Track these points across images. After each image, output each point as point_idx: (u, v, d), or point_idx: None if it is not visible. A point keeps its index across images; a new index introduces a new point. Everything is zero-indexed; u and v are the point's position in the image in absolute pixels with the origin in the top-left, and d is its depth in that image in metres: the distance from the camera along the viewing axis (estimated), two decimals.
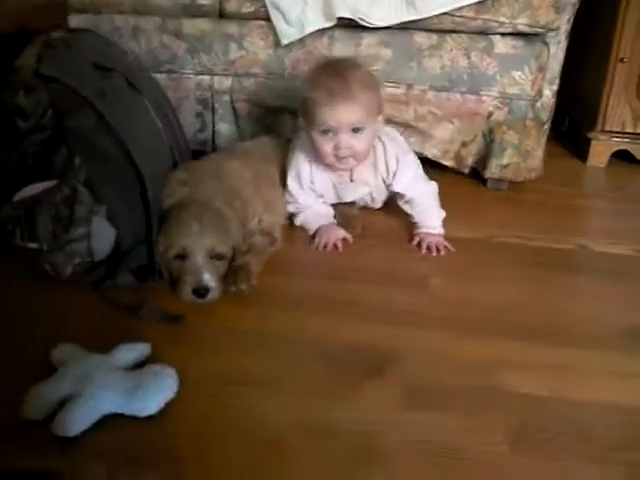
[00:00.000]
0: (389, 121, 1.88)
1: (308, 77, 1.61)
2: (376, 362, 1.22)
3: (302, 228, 1.71)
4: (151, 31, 1.92)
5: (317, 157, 1.63)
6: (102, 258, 1.39)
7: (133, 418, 1.05)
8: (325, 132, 1.56)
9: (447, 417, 1.09)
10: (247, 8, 1.83)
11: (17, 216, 1.34)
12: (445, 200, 1.72)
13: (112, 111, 1.36)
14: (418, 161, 1.71)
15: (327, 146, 1.57)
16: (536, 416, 1.10)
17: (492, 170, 1.94)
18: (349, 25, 1.81)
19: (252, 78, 1.93)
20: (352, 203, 1.78)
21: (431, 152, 1.97)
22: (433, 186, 1.69)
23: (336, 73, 1.54)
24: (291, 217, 1.74)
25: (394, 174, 1.66)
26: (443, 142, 1.95)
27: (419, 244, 1.65)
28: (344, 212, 1.76)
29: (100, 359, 1.12)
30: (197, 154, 1.88)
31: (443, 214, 1.69)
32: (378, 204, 1.80)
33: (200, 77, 1.96)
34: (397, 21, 1.76)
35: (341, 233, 1.65)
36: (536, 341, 1.30)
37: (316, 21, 1.79)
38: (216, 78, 1.96)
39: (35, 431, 1.02)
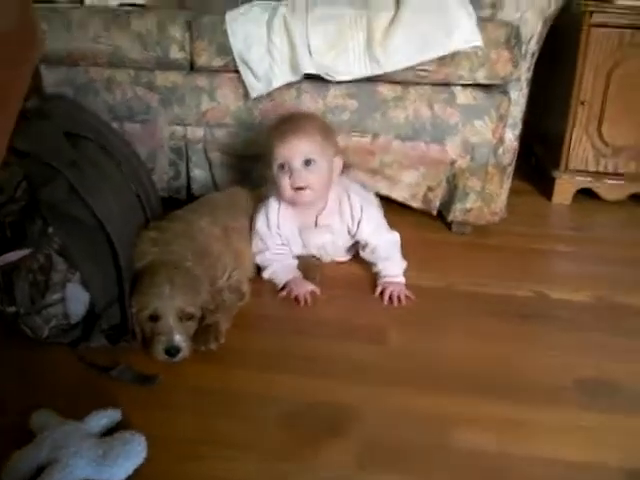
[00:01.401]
0: (357, 169, 1.96)
1: (269, 128, 1.74)
2: (336, 420, 1.28)
3: (268, 281, 1.78)
4: (125, 83, 1.99)
5: (280, 195, 1.72)
6: (77, 320, 1.45)
7: None
8: (282, 167, 1.66)
9: (402, 478, 1.14)
10: (217, 62, 1.90)
11: None
12: (408, 244, 1.79)
13: (83, 179, 1.42)
14: (381, 212, 1.78)
15: (284, 180, 1.66)
16: (487, 473, 1.16)
17: (455, 214, 2.01)
18: (316, 77, 1.89)
19: (224, 128, 2.00)
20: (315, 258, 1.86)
21: (400, 194, 2.04)
22: (396, 236, 1.76)
23: (292, 120, 1.69)
24: (258, 269, 1.80)
25: (358, 222, 1.73)
26: (410, 186, 2.02)
27: (381, 294, 1.71)
28: (305, 261, 1.83)
29: (74, 426, 1.18)
30: (172, 201, 1.95)
31: (405, 264, 1.76)
32: (342, 255, 1.88)
33: (173, 127, 2.03)
34: (361, 76, 1.83)
35: (310, 286, 1.72)
36: (490, 395, 1.35)
37: (283, 76, 1.86)
38: (189, 128, 2.03)
39: None
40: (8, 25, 0.76)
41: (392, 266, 1.75)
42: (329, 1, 1.89)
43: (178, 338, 1.43)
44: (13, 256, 1.40)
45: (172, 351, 1.42)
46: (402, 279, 1.74)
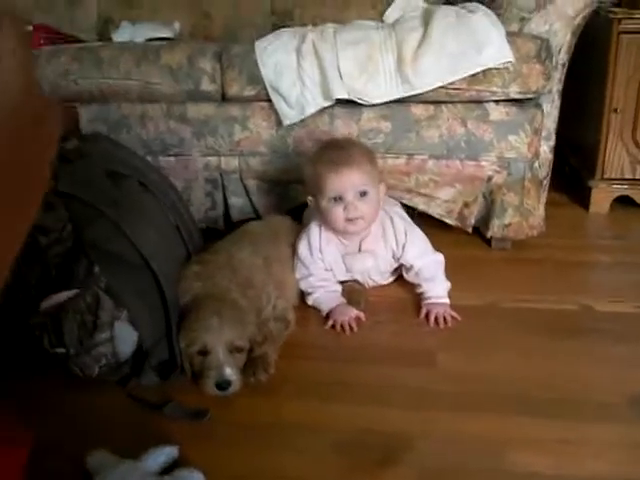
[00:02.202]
0: (393, 189, 1.95)
1: (312, 156, 1.72)
2: (390, 448, 1.27)
3: (313, 307, 1.78)
4: (158, 117, 2.01)
5: (328, 226, 1.71)
6: (126, 358, 1.46)
7: None
8: (335, 200, 1.64)
9: None
10: (248, 92, 1.91)
11: (44, 323, 1.42)
12: (450, 264, 1.78)
13: (126, 218, 1.44)
14: (424, 235, 1.77)
15: (338, 212, 1.65)
16: None
17: (494, 230, 2.00)
18: (348, 102, 1.89)
19: (258, 157, 2.02)
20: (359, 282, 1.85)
21: (436, 211, 2.04)
22: (440, 257, 1.76)
23: (337, 148, 1.67)
24: (302, 296, 1.80)
25: (403, 246, 1.73)
26: (446, 202, 2.01)
27: (427, 316, 1.70)
28: (349, 287, 1.83)
29: (132, 466, 1.18)
30: (210, 231, 1.96)
31: (449, 285, 1.75)
32: (385, 279, 1.87)
33: (207, 158, 2.05)
34: (392, 98, 1.83)
35: (354, 312, 1.71)
36: (543, 415, 1.34)
37: (315, 102, 1.87)
38: (223, 159, 2.04)
39: None
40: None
41: (436, 287, 1.74)
42: (357, 25, 1.90)
43: (229, 372, 1.42)
44: (60, 297, 1.41)
45: (224, 385, 1.42)
46: (447, 300, 1.73)
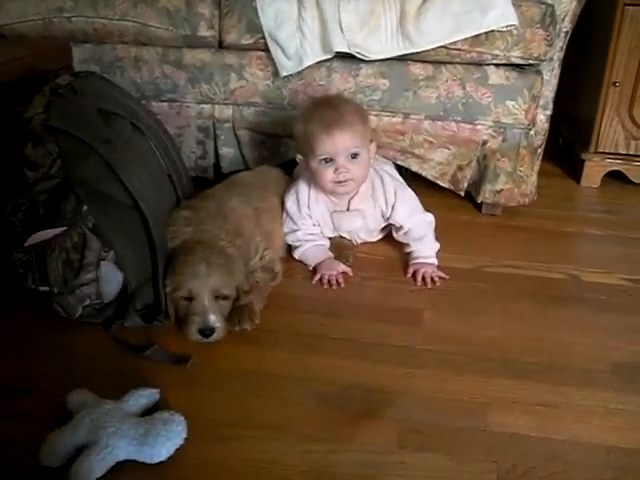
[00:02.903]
0: (387, 148, 1.94)
1: (303, 113, 1.68)
2: (372, 402, 1.28)
3: (300, 261, 1.77)
4: (153, 61, 1.97)
5: (318, 186, 1.70)
6: (110, 300, 1.45)
7: (145, 464, 1.11)
8: (325, 161, 1.62)
9: (440, 459, 1.14)
10: (246, 40, 1.87)
11: (29, 260, 1.39)
12: (440, 227, 1.78)
13: (117, 157, 1.40)
14: (414, 195, 1.76)
15: (328, 173, 1.63)
16: (525, 456, 1.15)
17: (485, 195, 1.99)
18: (347, 56, 1.86)
19: (252, 107, 1.99)
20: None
21: (429, 173, 2.03)
22: (430, 217, 1.75)
23: (329, 107, 1.63)
24: (290, 249, 1.80)
25: (392, 206, 1.72)
26: (440, 165, 2.00)
27: (414, 275, 1.70)
28: (337, 242, 1.83)
29: (112, 406, 1.18)
30: (199, 180, 1.93)
31: (437, 245, 1.75)
32: (374, 237, 1.86)
33: (201, 106, 2.01)
34: (393, 54, 1.80)
35: (341, 267, 1.71)
36: (526, 378, 1.35)
37: (314, 54, 1.84)
38: (217, 107, 2.01)
39: (52, 478, 1.08)
40: None
41: (425, 248, 1.73)
42: None
43: (213, 318, 1.42)
44: (46, 234, 1.39)
45: (207, 332, 1.41)
46: (435, 260, 1.73)
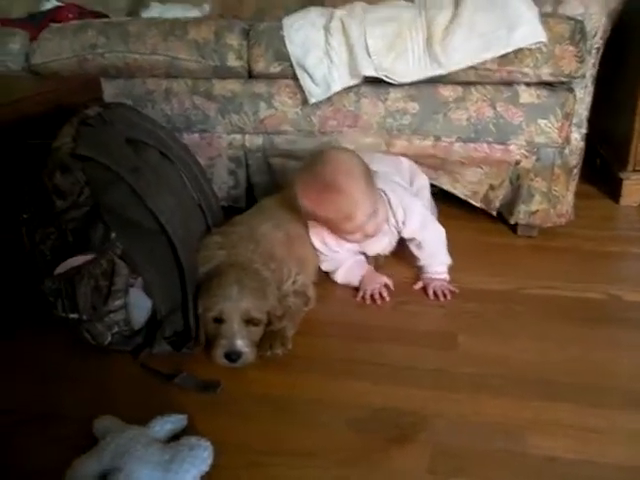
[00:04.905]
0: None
1: (304, 193, 1.60)
2: (405, 426, 1.24)
3: (332, 283, 1.76)
4: (183, 93, 1.99)
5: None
6: (140, 327, 1.44)
7: None
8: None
9: None
10: (275, 68, 1.88)
11: (58, 288, 1.40)
12: (474, 250, 1.76)
13: (144, 185, 1.42)
14: (422, 204, 1.74)
15: (353, 237, 1.65)
16: None
17: (520, 216, 1.95)
18: (375, 81, 1.85)
19: (282, 135, 1.98)
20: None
21: (461, 192, 2.01)
22: (441, 231, 1.72)
23: (330, 190, 1.54)
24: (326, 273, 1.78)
25: (403, 222, 1.70)
26: (472, 184, 1.98)
27: (425, 289, 1.69)
28: None
29: (138, 432, 1.17)
30: (231, 210, 1.93)
31: (449, 261, 1.72)
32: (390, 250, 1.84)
33: (232, 136, 2.02)
34: (421, 77, 1.78)
35: (383, 279, 1.70)
36: (565, 400, 1.29)
37: (341, 80, 1.83)
38: (247, 137, 2.01)
39: None
40: None
41: (436, 262, 1.72)
42: (386, 4, 1.86)
43: (240, 343, 1.40)
44: (76, 261, 1.40)
45: (232, 356, 1.40)
46: (446, 276, 1.71)
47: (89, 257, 1.40)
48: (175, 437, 1.19)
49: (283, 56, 1.86)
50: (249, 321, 1.43)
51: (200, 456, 1.13)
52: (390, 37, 1.78)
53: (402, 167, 1.89)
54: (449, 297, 1.66)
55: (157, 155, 1.54)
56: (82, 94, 1.70)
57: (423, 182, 1.91)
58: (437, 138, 1.89)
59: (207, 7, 2.39)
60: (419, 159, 1.93)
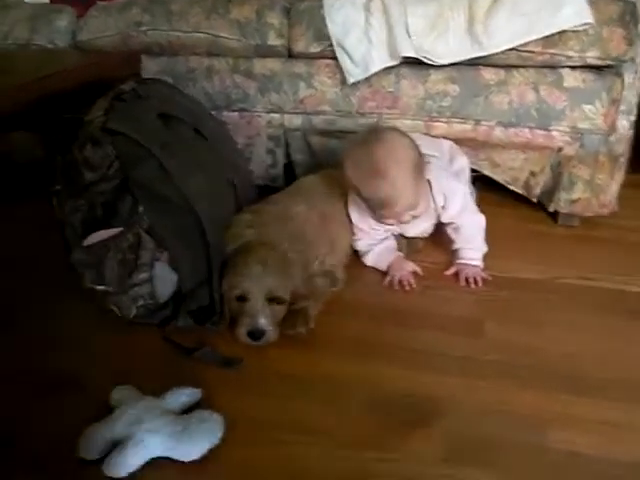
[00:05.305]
0: (459, 144, 1.89)
1: (349, 176, 1.58)
2: (424, 411, 1.22)
3: (362, 265, 1.74)
4: (224, 71, 2.00)
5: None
6: (165, 300, 1.46)
7: (178, 462, 1.10)
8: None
9: (491, 475, 1.07)
10: (314, 48, 1.87)
11: (87, 260, 1.43)
12: (510, 235, 1.73)
13: (173, 160, 1.42)
14: (465, 189, 1.70)
15: (387, 221, 1.64)
16: (586, 478, 1.07)
17: (560, 204, 1.89)
18: (415, 62, 1.82)
19: (321, 115, 1.97)
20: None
21: (501, 177, 1.97)
22: (481, 218, 1.69)
23: (378, 174, 1.51)
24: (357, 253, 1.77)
25: (443, 207, 1.67)
26: (512, 170, 1.94)
27: (457, 275, 1.66)
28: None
29: (152, 403, 1.18)
30: (269, 189, 1.93)
31: (485, 249, 1.68)
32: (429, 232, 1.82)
33: (271, 115, 2.02)
34: (462, 58, 1.75)
35: (410, 266, 1.68)
36: (593, 394, 1.25)
37: (380, 60, 1.80)
38: (286, 116, 2.01)
39: (88, 471, 1.09)
40: None
41: (472, 249, 1.68)
42: None
43: (263, 321, 1.40)
44: (104, 235, 1.42)
45: (256, 334, 1.40)
46: (480, 263, 1.67)
47: (116, 231, 1.42)
48: (189, 410, 1.19)
49: (323, 36, 1.85)
50: (272, 300, 1.43)
51: (211, 429, 1.14)
52: (431, 17, 1.74)
53: (442, 148, 1.85)
54: (480, 284, 1.63)
55: (190, 131, 1.55)
56: (122, 69, 1.71)
57: (463, 163, 1.86)
58: (477, 122, 1.85)
59: None
60: (459, 142, 1.89)
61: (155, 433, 1.11)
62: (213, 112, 1.98)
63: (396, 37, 1.75)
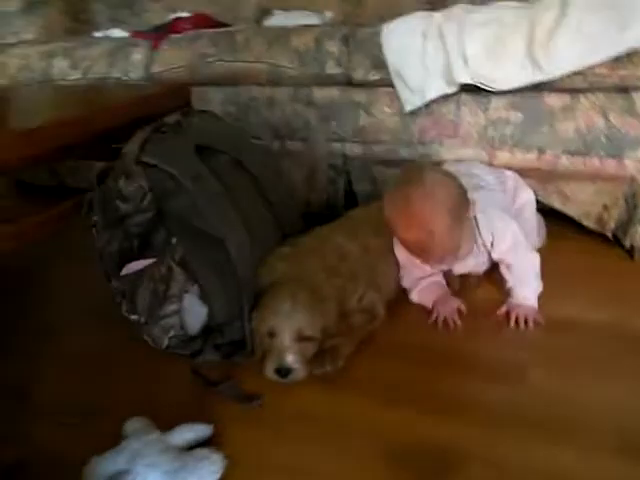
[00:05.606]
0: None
1: (389, 210, 1.51)
2: (441, 465, 1.13)
3: (409, 302, 1.66)
4: (284, 101, 2.01)
5: None
6: (195, 333, 1.45)
7: None
8: None
9: None
10: (373, 76, 1.83)
11: (123, 290, 1.46)
12: (580, 274, 1.61)
13: (205, 193, 1.42)
14: (515, 226, 1.57)
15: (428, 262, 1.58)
16: None
17: (637, 239, 1.73)
18: (475, 89, 1.74)
19: (382, 145, 1.92)
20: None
21: (572, 211, 1.83)
22: (534, 257, 1.56)
23: (415, 220, 1.44)
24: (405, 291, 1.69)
25: (491, 244, 1.57)
26: (583, 203, 1.79)
27: (507, 314, 1.54)
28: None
29: (156, 437, 1.17)
30: (330, 219, 1.90)
31: (540, 288, 1.55)
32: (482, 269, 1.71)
33: (332, 144, 1.99)
34: (521, 84, 1.65)
35: (456, 303, 1.59)
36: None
37: (437, 87, 1.74)
38: (347, 145, 1.98)
39: None
40: None
41: (525, 288, 1.55)
42: (492, 5, 1.74)
43: (290, 359, 1.36)
44: (139, 265, 1.44)
45: (282, 371, 1.35)
46: (534, 303, 1.54)
47: (151, 261, 1.44)
48: (198, 445, 1.17)
49: (381, 63, 1.81)
50: (302, 337, 1.39)
51: (207, 468, 1.11)
52: (489, 41, 1.67)
53: (506, 181, 1.75)
54: (531, 326, 1.51)
55: (227, 162, 1.54)
56: (171, 102, 1.74)
57: (527, 197, 1.75)
58: (542, 150, 1.74)
59: (328, 15, 2.38)
60: (523, 173, 1.78)
61: (153, 468, 1.10)
62: (276, 142, 2.01)
63: (452, 63, 1.68)
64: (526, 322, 1.51)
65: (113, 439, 1.19)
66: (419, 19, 1.78)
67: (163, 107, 1.66)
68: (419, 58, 1.74)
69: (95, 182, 1.47)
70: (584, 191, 1.77)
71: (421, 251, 1.48)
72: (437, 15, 1.75)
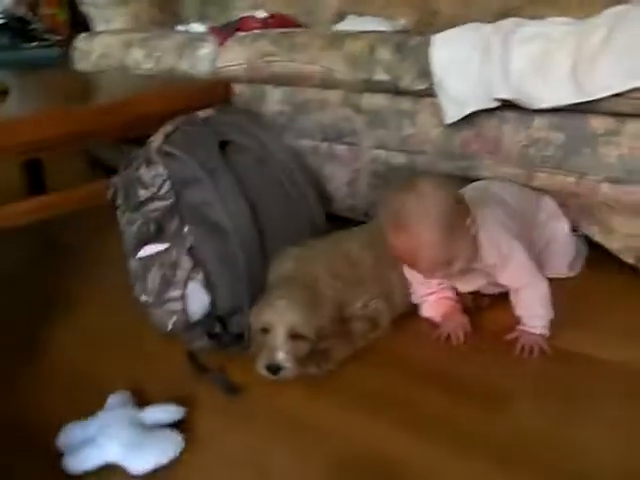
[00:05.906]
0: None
1: (384, 219, 1.47)
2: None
3: (420, 317, 1.63)
4: (335, 104, 2.01)
5: None
6: (196, 319, 1.50)
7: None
8: None
9: None
10: (418, 85, 1.81)
11: (137, 271, 1.53)
12: (609, 307, 1.56)
13: (220, 187, 1.47)
14: (524, 253, 1.48)
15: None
16: None
17: None
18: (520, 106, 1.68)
19: (423, 155, 1.89)
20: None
21: (612, 245, 1.72)
22: (541, 286, 1.48)
23: (405, 233, 1.39)
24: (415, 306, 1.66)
25: (495, 266, 1.50)
26: (627, 237, 1.69)
27: (515, 341, 1.49)
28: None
29: (127, 413, 1.23)
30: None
31: (550, 315, 1.48)
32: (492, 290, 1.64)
33: (376, 151, 1.98)
34: (561, 104, 1.58)
35: (461, 320, 1.56)
36: None
37: (476, 101, 1.69)
38: (392, 153, 1.95)
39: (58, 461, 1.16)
40: None
41: (533, 316, 1.49)
42: (545, 21, 1.68)
43: (281, 356, 1.37)
44: (153, 249, 1.51)
45: (272, 368, 1.37)
46: (541, 331, 1.47)
47: (165, 246, 1.50)
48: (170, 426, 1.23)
49: (427, 73, 1.78)
50: (295, 336, 1.40)
51: (162, 446, 1.17)
52: (535, 57, 1.60)
53: (544, 206, 1.72)
54: (535, 355, 1.45)
55: (250, 159, 1.59)
56: (210, 97, 1.79)
57: (560, 227, 1.71)
58: (581, 175, 1.65)
59: (402, 22, 2.37)
60: (560, 198, 1.71)
61: (113, 439, 1.16)
62: (325, 144, 2.02)
63: (493, 78, 1.64)
64: (531, 350, 1.46)
65: (100, 409, 1.26)
66: (470, 30, 1.74)
67: (201, 102, 1.72)
68: (463, 69, 1.70)
69: (122, 167, 1.55)
70: (626, 224, 1.67)
71: (410, 258, 1.44)
72: (487, 27, 1.71)
